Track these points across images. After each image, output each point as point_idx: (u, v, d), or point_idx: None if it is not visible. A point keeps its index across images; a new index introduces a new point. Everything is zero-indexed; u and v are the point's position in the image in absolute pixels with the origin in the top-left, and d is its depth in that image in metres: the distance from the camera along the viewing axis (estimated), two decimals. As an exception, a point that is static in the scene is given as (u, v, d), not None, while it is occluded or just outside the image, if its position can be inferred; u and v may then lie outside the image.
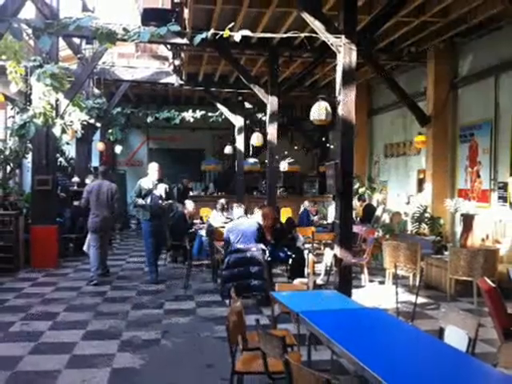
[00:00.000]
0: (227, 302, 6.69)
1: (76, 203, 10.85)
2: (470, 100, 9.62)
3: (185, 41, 8.56)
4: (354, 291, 5.99)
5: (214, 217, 9.39)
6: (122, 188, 13.48)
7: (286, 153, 15.68)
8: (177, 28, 5.75)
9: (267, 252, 6.85)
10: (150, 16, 7.96)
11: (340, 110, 5.57)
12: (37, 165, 9.79)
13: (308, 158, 18.39)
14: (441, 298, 7.33)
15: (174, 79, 12.89)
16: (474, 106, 9.45)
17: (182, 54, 10.86)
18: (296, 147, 17.65)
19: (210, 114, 14.55)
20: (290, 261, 7.73)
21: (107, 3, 16.09)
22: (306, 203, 11.79)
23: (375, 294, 7.58)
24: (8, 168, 12.32)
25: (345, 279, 5.59)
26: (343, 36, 5.46)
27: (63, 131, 9.44)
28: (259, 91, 9.50)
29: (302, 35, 6.22)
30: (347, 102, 5.54)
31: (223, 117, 14.18)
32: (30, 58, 9.07)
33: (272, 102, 9.33)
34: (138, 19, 8.45)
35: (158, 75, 12.97)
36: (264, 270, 6.69)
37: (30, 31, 6.62)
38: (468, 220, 7.59)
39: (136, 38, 6.09)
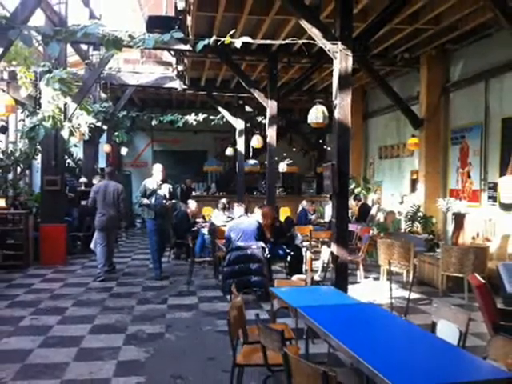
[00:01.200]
0: (228, 297, 6.69)
1: (83, 203, 10.85)
2: (461, 104, 9.62)
3: (188, 47, 8.56)
4: (350, 287, 5.99)
5: (216, 216, 9.39)
6: (127, 188, 13.47)
7: (284, 154, 15.67)
8: (180, 35, 5.75)
9: (267, 249, 6.85)
10: (155, 23, 7.95)
11: (336, 114, 5.56)
12: (46, 166, 9.79)
13: (306, 159, 18.38)
14: (433, 294, 7.32)
15: (177, 84, 12.89)
16: (465, 110, 9.45)
17: (185, 60, 10.86)
18: (294, 149, 17.63)
19: (211, 118, 14.54)
20: (289, 258, 7.73)
21: (113, 11, 16.08)
22: (304, 203, 11.79)
23: (370, 290, 7.58)
24: (18, 169, 12.33)
25: (341, 276, 5.59)
26: (339, 42, 5.46)
27: (71, 134, 9.42)
28: (259, 95, 9.50)
29: (300, 42, 6.21)
30: (343, 105, 5.53)
31: (224, 120, 14.18)
32: (39, 64, 9.07)
33: (271, 106, 9.33)
34: (143, 26, 8.46)
35: (162, 80, 12.96)
36: (264, 266, 6.69)
37: (39, 38, 6.61)
38: (459, 219, 7.59)
39: (141, 45, 6.08)
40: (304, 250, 7.87)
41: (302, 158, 18.08)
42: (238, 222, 7.02)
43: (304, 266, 7.13)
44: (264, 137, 11.02)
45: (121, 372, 4.42)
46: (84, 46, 11.29)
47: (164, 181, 8.50)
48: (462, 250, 7.17)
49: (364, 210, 11.53)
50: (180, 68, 11.72)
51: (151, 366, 4.57)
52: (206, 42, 5.47)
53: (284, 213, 12.63)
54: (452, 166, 9.84)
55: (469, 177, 9.27)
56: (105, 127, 13.40)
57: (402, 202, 11.15)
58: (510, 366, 2.79)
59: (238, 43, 5.32)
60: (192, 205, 10.03)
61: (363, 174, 13.92)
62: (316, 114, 7.96)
